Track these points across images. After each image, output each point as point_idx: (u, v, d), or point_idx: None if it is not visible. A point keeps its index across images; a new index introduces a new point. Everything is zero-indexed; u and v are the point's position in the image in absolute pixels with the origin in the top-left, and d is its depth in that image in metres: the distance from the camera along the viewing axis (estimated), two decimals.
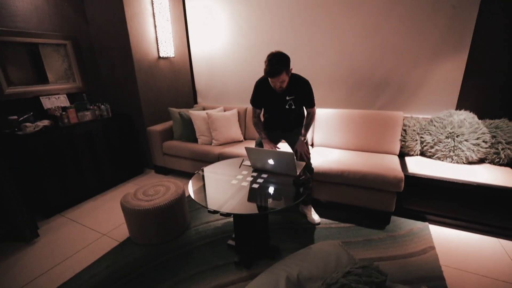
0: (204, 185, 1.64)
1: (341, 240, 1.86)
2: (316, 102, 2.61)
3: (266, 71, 1.47)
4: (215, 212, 1.34)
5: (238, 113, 2.95)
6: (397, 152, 2.28)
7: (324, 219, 2.11)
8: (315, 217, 2.03)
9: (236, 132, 2.85)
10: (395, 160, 2.13)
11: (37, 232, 2.13)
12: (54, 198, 2.44)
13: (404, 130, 2.30)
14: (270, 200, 1.42)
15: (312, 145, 2.50)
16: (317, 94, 2.68)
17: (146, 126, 3.06)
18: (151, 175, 3.14)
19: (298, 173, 1.60)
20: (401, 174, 1.88)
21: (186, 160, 2.85)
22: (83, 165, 2.60)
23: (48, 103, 2.68)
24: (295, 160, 1.56)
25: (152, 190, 2.01)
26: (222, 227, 2.09)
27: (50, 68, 2.72)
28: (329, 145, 2.49)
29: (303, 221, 2.08)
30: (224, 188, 1.56)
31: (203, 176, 1.76)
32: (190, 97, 3.54)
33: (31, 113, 2.50)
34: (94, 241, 2.05)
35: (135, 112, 3.04)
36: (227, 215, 1.35)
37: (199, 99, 3.50)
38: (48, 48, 2.71)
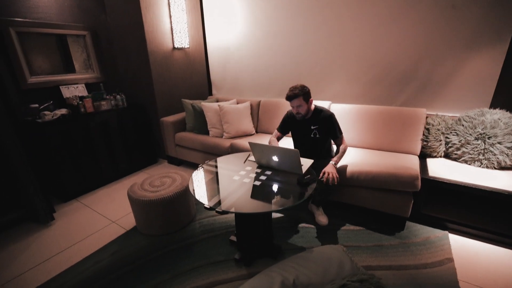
0: (205, 179, 1.63)
1: (349, 244, 1.77)
2: (331, 96, 2.62)
3: (286, 95, 1.71)
4: (211, 209, 1.31)
5: (251, 105, 2.90)
6: (418, 152, 2.14)
7: (332, 219, 2.02)
8: (323, 218, 1.95)
9: (247, 125, 2.80)
10: (414, 159, 1.99)
11: (53, 215, 2.23)
12: (71, 184, 2.54)
13: (427, 129, 2.16)
14: (271, 199, 1.37)
15: None
16: (333, 88, 2.63)
17: (160, 117, 3.07)
18: (164, 165, 3.17)
19: (303, 172, 1.58)
20: (416, 172, 1.74)
21: (197, 152, 2.85)
22: (99, 154, 2.65)
23: (67, 92, 2.78)
24: (300, 158, 1.54)
25: (158, 181, 2.01)
26: (227, 221, 2.05)
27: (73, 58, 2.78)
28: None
29: (310, 221, 2.00)
30: (225, 183, 1.54)
31: (206, 170, 1.76)
32: (204, 88, 3.51)
33: (51, 101, 2.60)
34: (104, 228, 2.11)
35: (149, 102, 3.05)
36: (223, 213, 1.30)
37: (214, 91, 3.49)
38: (69, 39, 2.79)
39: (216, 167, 1.78)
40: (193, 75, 3.38)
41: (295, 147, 2.00)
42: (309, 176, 1.53)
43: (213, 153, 2.69)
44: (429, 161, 2.08)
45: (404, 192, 1.81)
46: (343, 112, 2.39)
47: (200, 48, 3.35)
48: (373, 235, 1.86)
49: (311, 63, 2.65)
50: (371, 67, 2.40)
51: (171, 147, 3.09)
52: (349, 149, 2.29)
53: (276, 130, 2.02)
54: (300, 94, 1.70)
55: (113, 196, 2.56)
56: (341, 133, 1.83)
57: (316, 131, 1.84)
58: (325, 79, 2.66)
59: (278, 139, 1.99)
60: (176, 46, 3.03)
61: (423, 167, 1.96)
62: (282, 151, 1.57)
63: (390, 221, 1.94)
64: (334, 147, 1.99)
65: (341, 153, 1.78)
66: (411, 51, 2.21)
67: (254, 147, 1.67)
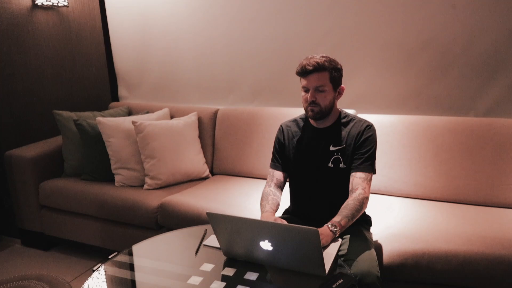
0: None
1: None
2: (352, 101, 2.65)
3: (299, 67, 1.73)
4: None
5: (200, 120, 2.89)
6: None
7: None
8: None
9: (194, 160, 2.73)
10: None
11: None
12: None
13: None
14: None
15: None
16: (355, 86, 2.65)
17: (4, 149, 2.86)
18: (13, 253, 2.90)
19: (327, 270, 1.44)
20: None
21: (90, 220, 2.66)
22: None
23: None
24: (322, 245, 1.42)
25: None
26: None
27: None
28: (384, 190, 2.38)
29: None
30: None
31: (113, 276, 1.59)
32: (103, 87, 3.48)
33: None
34: None
35: None
36: None
37: (122, 92, 3.47)
38: None
39: (137, 267, 1.67)
40: (80, 61, 3.29)
41: (293, 199, 1.97)
42: (341, 281, 1.36)
43: (125, 222, 2.51)
44: None
45: None
46: (378, 130, 2.38)
47: (92, 9, 3.29)
48: None
49: (314, 45, 2.67)
50: (422, 49, 2.43)
51: (30, 211, 2.87)
52: (395, 202, 2.28)
53: (269, 171, 1.97)
54: (327, 67, 1.70)
55: None
56: (372, 168, 1.78)
57: (339, 156, 1.78)
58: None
59: (279, 185, 1.93)
60: (38, 2, 2.92)
61: None
62: (283, 230, 1.45)
63: None
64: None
65: (352, 209, 1.68)
66: (498, 15, 2.22)
67: (218, 221, 1.52)
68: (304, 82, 1.72)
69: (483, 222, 1.92)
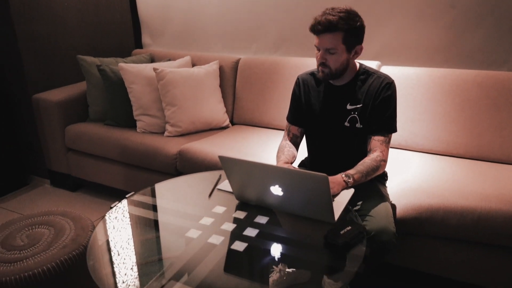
0: (126, 236, 1.49)
1: None
2: (376, 52, 2.59)
3: (312, 22, 1.65)
4: None
5: (221, 69, 2.85)
6: None
7: None
8: None
9: (214, 109, 2.71)
10: None
11: None
12: None
13: None
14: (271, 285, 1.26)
15: None
16: (381, 37, 2.57)
17: (32, 93, 2.85)
18: (42, 192, 2.98)
19: (337, 218, 1.45)
20: None
21: (113, 164, 2.71)
22: None
23: None
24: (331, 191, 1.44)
25: (24, 235, 1.80)
26: None
27: None
28: (405, 145, 2.36)
29: None
30: (169, 246, 1.47)
31: (129, 212, 1.65)
32: (126, 34, 3.44)
33: None
34: None
35: (7, 60, 2.85)
36: None
37: (145, 40, 3.45)
38: None
39: (152, 207, 1.70)
40: (103, 6, 3.24)
41: (309, 152, 1.97)
42: (349, 228, 1.39)
43: (146, 167, 2.57)
44: None
45: None
46: (402, 84, 2.33)
47: None
48: None
49: None
50: None
51: (57, 154, 2.93)
52: (416, 158, 2.26)
53: (286, 126, 1.92)
54: (340, 27, 1.57)
55: None
56: (392, 129, 1.75)
57: (356, 116, 1.73)
58: (365, 21, 2.66)
59: (295, 140, 1.92)
60: None
61: None
62: (294, 176, 1.46)
63: None
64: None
65: (368, 167, 1.67)
66: None
67: (229, 165, 1.52)
68: (316, 40, 1.64)
69: (504, 180, 1.88)
